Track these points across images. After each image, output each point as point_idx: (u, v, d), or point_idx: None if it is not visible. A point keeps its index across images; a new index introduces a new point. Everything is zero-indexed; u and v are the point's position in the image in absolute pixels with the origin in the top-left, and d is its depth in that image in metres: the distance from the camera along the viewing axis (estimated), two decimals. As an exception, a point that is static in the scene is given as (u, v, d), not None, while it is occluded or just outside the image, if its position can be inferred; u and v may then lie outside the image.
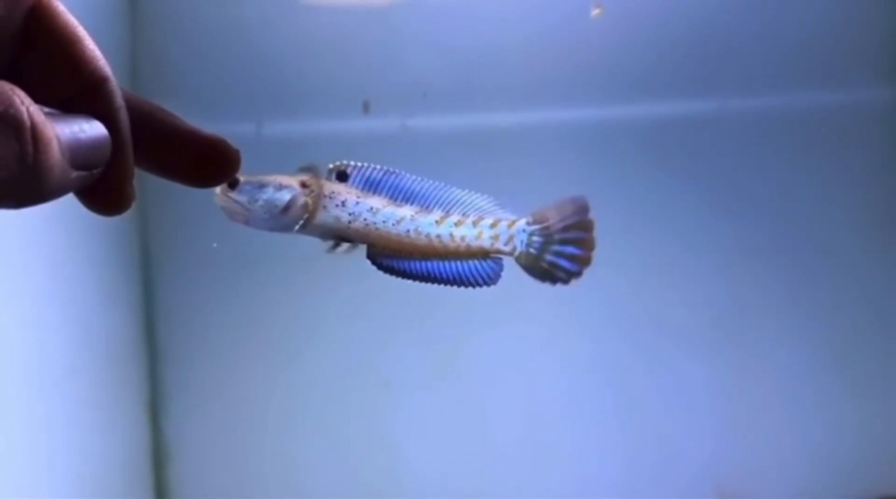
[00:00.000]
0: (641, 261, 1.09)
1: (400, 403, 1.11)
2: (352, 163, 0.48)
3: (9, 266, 0.85)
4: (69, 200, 0.94)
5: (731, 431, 1.11)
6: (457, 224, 0.49)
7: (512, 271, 1.06)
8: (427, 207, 0.49)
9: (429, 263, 0.49)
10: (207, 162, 0.37)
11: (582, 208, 0.52)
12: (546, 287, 1.08)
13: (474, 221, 0.49)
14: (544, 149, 1.09)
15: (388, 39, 1.08)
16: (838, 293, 1.10)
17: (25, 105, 0.28)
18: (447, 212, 0.49)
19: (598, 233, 1.14)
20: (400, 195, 0.48)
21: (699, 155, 1.10)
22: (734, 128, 1.09)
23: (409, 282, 1.07)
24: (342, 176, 0.48)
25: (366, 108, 1.08)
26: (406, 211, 0.48)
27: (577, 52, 1.07)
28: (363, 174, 0.48)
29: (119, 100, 0.34)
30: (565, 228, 0.51)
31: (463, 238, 0.49)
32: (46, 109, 0.30)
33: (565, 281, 0.51)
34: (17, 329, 0.86)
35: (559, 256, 0.51)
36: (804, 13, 1.08)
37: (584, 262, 0.51)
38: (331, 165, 0.48)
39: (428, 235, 0.48)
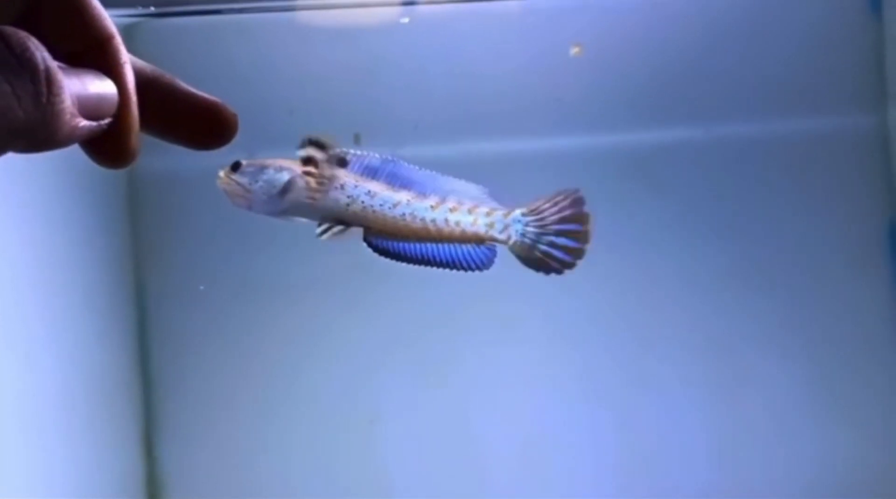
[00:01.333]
0: (630, 285, 1.11)
1: (392, 429, 1.11)
2: (351, 150, 0.49)
3: (2, 299, 0.86)
4: (62, 235, 0.95)
5: (722, 454, 1.11)
6: (452, 210, 0.50)
7: (499, 296, 1.07)
8: (423, 194, 0.49)
9: (423, 246, 0.50)
10: (205, 123, 0.39)
11: (577, 201, 0.53)
12: (535, 314, 1.10)
13: (469, 208, 0.51)
14: (533, 177, 1.10)
15: (379, 73, 1.10)
16: (825, 316, 1.12)
17: (40, 50, 0.30)
18: (443, 199, 0.50)
19: (588, 253, 1.15)
20: (397, 182, 0.50)
21: (686, 181, 1.12)
22: (719, 154, 1.11)
23: (401, 309, 1.08)
24: (342, 162, 0.50)
25: (357, 139, 1.10)
26: (403, 196, 0.50)
27: (563, 83, 1.09)
28: (362, 161, 0.49)
29: (124, 56, 0.36)
30: (561, 220, 0.52)
31: (458, 223, 0.50)
32: (57, 63, 0.31)
33: (559, 271, 0.53)
34: (11, 362, 0.87)
35: (553, 246, 0.52)
36: (787, 41, 1.10)
37: (578, 254, 0.52)
38: (330, 151, 0.49)
39: (423, 219, 0.50)
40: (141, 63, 0.38)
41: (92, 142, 0.35)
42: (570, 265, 0.53)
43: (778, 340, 1.11)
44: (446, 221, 0.50)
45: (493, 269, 1.09)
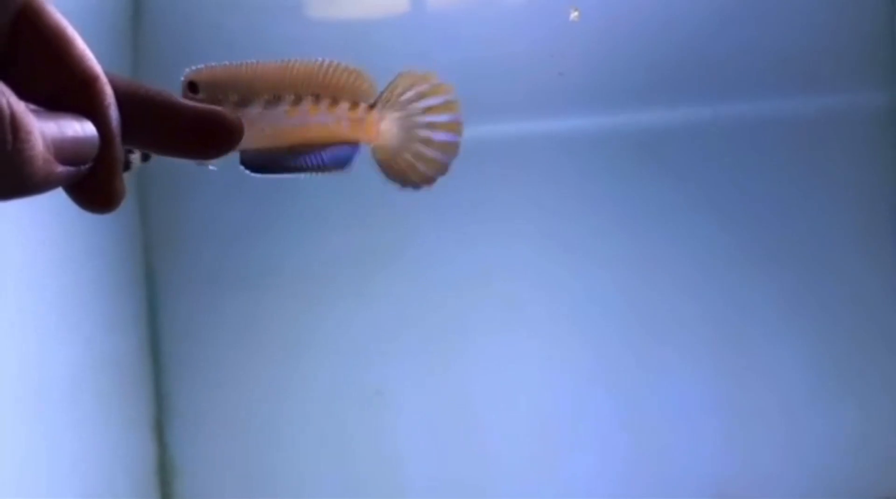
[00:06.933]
0: (638, 266, 1.09)
1: (399, 413, 1.11)
2: (202, 65, 0.43)
3: (14, 287, 0.87)
4: (73, 223, 0.95)
5: (731, 439, 1.10)
6: (311, 111, 0.44)
7: (506, 278, 1.07)
8: (278, 99, 0.44)
9: (294, 158, 0.44)
10: (208, 135, 0.39)
11: (444, 88, 0.45)
12: (542, 295, 1.10)
13: (329, 105, 0.44)
14: (539, 159, 1.10)
15: (380, 58, 1.09)
16: (836, 300, 1.09)
17: (6, 96, 0.28)
18: (298, 98, 0.44)
19: (591, 239, 1.15)
20: (251, 91, 0.43)
21: (694, 163, 1.10)
22: (728, 135, 1.09)
23: (408, 291, 1.08)
24: (193, 86, 0.43)
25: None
26: (256, 108, 0.43)
27: (568, 62, 1.08)
28: (213, 77, 0.43)
29: (108, 98, 0.34)
30: (427, 110, 0.45)
31: (324, 126, 0.44)
32: (32, 106, 0.30)
33: (416, 186, 0.45)
34: (23, 349, 0.88)
35: (428, 145, 0.45)
36: (798, 18, 1.08)
37: (452, 150, 0.45)
38: (182, 77, 0.43)
39: (283, 129, 0.44)
40: (136, 84, 0.37)
41: (73, 187, 0.33)
42: (432, 180, 0.45)
43: (787, 322, 1.10)
44: (306, 124, 0.44)
45: (500, 252, 1.10)
